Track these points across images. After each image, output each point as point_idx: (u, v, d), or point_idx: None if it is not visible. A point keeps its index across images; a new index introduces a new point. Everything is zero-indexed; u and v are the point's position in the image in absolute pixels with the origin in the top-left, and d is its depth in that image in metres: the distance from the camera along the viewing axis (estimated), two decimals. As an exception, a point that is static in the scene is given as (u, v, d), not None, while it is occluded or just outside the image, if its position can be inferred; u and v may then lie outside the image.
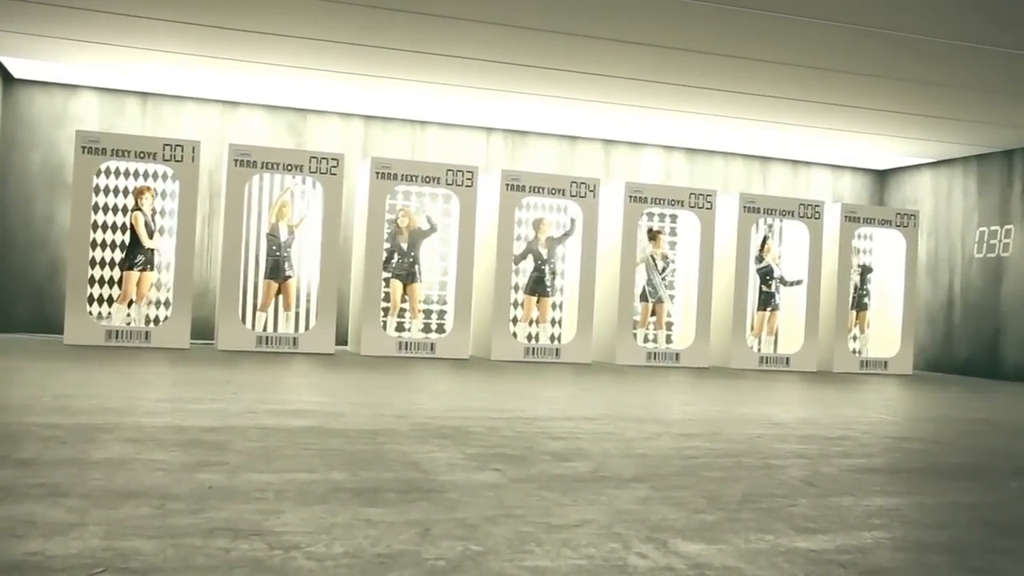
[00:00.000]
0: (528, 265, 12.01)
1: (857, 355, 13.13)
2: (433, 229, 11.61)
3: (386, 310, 11.50)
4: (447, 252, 11.88)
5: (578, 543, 2.77)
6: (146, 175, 11.17)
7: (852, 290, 13.15)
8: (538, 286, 11.98)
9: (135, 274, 10.68)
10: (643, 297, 12.50)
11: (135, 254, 10.70)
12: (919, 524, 3.37)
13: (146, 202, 10.75)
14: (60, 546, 2.46)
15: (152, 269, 10.81)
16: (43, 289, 11.69)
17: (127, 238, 10.86)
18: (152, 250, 10.78)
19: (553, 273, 12.05)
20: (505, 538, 2.79)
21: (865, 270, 13.37)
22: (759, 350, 12.71)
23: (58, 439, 4.11)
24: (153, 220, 10.84)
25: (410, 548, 2.63)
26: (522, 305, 12.15)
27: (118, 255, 10.97)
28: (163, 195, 11.17)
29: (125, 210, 10.99)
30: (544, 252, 11.95)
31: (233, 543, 2.58)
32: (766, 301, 12.81)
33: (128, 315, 10.76)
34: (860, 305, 13.32)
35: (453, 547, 2.66)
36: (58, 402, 5.45)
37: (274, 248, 11.13)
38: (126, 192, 11.10)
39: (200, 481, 3.36)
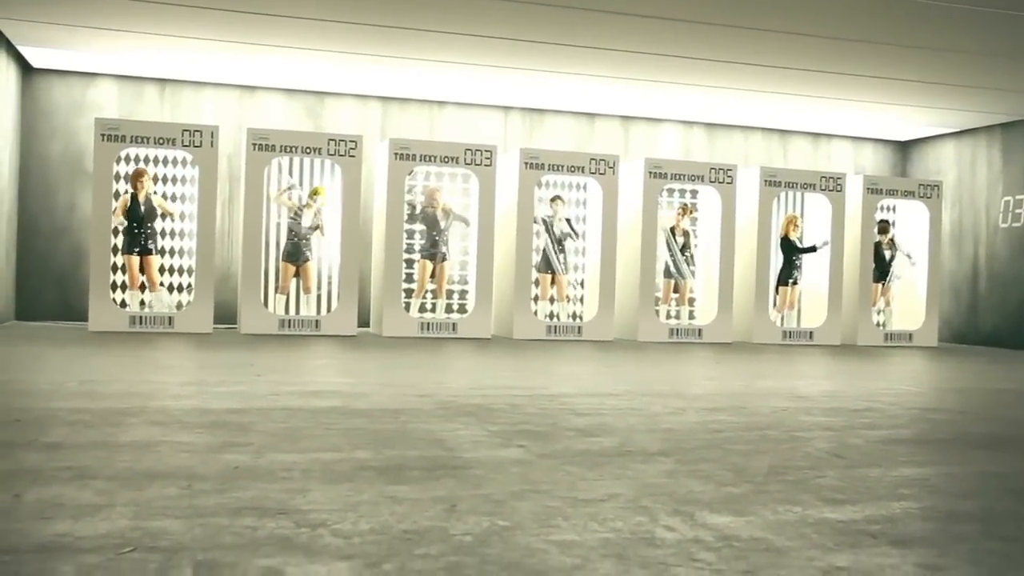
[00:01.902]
0: (542, 242, 11.96)
1: (881, 328, 13.04)
2: (466, 223, 11.63)
3: (411, 291, 11.50)
4: (467, 232, 11.86)
5: (605, 517, 2.77)
6: (152, 161, 11.10)
7: (881, 264, 13.04)
8: (551, 264, 11.96)
9: (133, 258, 10.63)
10: (666, 273, 12.46)
11: (126, 237, 10.66)
12: (948, 494, 3.34)
13: (143, 185, 10.56)
14: (89, 527, 2.48)
15: (153, 253, 10.69)
16: (67, 277, 11.77)
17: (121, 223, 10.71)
18: (143, 233, 10.58)
19: (564, 252, 11.98)
20: (532, 513, 2.78)
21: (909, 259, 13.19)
22: (782, 324, 12.64)
23: (85, 423, 4.14)
24: (149, 202, 10.62)
25: (437, 524, 2.62)
26: (537, 283, 12.13)
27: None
28: (166, 179, 11.14)
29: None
30: (558, 231, 11.90)
31: (260, 522, 2.58)
32: (787, 275, 12.70)
33: (142, 302, 10.72)
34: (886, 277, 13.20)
35: (480, 523, 2.66)
36: (84, 387, 5.49)
37: (293, 233, 11.16)
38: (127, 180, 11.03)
39: (226, 462, 3.37)
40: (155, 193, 10.86)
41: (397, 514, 2.72)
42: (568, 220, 12.00)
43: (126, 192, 10.77)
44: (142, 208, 10.59)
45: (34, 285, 11.70)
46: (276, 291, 11.30)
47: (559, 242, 11.95)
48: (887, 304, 13.25)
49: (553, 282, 12.02)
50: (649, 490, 3.14)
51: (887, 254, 13.14)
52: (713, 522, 2.75)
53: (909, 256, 13.14)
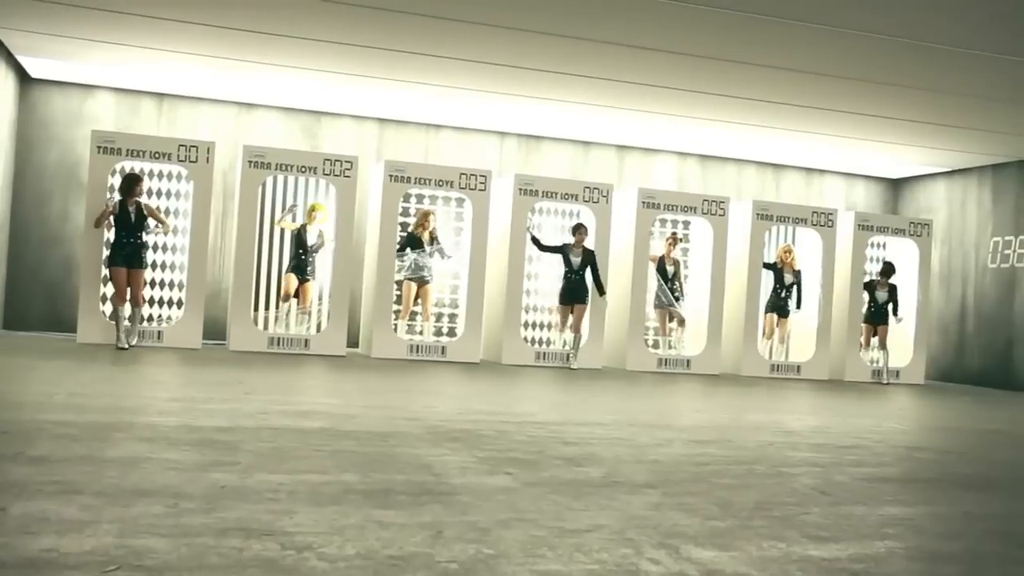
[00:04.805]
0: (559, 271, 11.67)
1: (869, 364, 13.03)
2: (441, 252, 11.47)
3: (397, 312, 11.46)
4: (459, 256, 11.85)
5: (590, 548, 2.77)
6: (148, 175, 10.89)
7: (875, 304, 12.69)
8: (571, 292, 11.48)
9: (120, 270, 9.83)
10: (657, 304, 12.38)
11: (114, 248, 9.96)
12: (932, 534, 3.35)
13: (137, 193, 9.92)
14: (74, 543, 2.47)
15: (143, 266, 10.01)
16: (57, 288, 11.73)
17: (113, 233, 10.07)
18: (133, 243, 9.85)
19: (584, 282, 11.47)
20: (517, 542, 2.79)
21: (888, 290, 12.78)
22: (770, 358, 12.62)
23: (72, 437, 4.13)
24: (139, 211, 9.92)
25: (422, 550, 2.63)
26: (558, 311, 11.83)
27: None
28: (160, 193, 11.01)
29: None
30: (576, 261, 11.47)
31: (246, 543, 2.58)
32: (781, 307, 12.55)
33: (126, 316, 10.29)
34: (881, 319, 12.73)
35: (465, 550, 2.66)
36: (72, 400, 5.47)
37: (300, 250, 11.10)
38: (112, 190, 10.45)
39: (213, 481, 3.36)
40: (147, 204, 10.29)
41: (383, 539, 2.72)
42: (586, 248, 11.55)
43: (111, 199, 10.19)
44: (132, 217, 9.92)
45: (23, 295, 11.66)
46: (281, 299, 11.27)
47: (576, 272, 11.51)
48: (881, 346, 12.76)
49: (572, 311, 11.64)
50: (635, 522, 3.14)
51: (881, 296, 12.68)
52: (698, 556, 2.76)
53: (896, 315, 12.73)
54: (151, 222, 10.21)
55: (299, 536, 2.68)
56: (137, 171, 10.47)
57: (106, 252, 10.36)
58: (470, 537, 2.80)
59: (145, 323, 10.57)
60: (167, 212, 10.96)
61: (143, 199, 10.19)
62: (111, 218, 10.00)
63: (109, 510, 2.84)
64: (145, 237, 10.14)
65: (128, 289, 9.95)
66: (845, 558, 2.85)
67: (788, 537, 3.07)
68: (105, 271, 10.26)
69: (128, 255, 9.90)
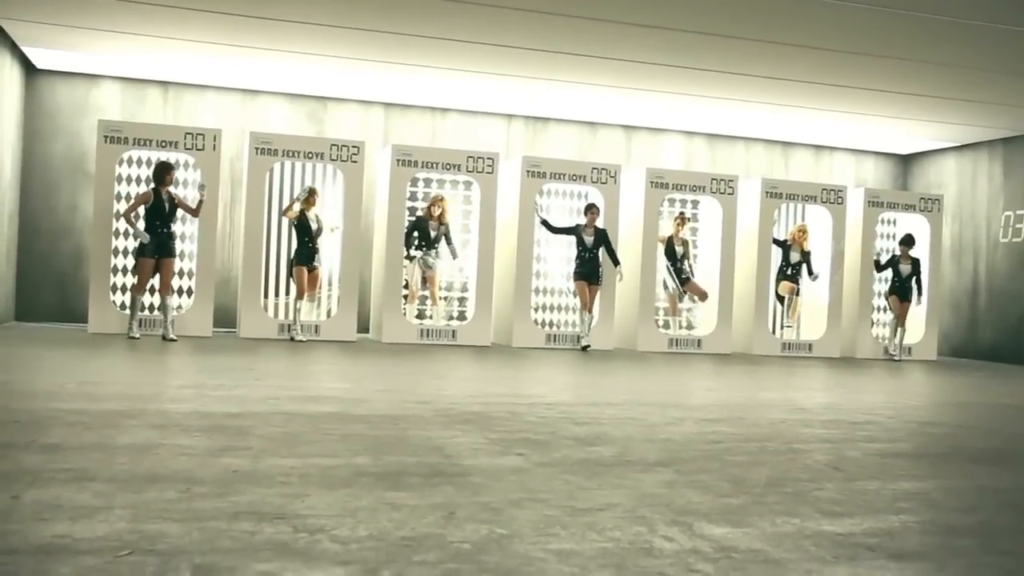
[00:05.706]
0: (571, 252, 11.62)
1: (880, 341, 12.98)
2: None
3: (406, 297, 11.43)
4: (468, 239, 11.83)
5: (603, 526, 2.77)
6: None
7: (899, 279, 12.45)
8: (586, 273, 11.40)
9: (150, 261, 9.71)
10: (666, 285, 12.34)
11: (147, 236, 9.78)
12: (946, 508, 3.34)
13: (170, 181, 9.84)
14: (87, 529, 2.48)
15: (174, 255, 9.96)
16: (67, 278, 11.76)
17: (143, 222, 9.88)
18: (165, 233, 9.77)
19: (597, 262, 11.39)
20: (530, 521, 2.78)
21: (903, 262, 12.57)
22: (782, 336, 12.59)
23: (83, 425, 4.14)
24: (172, 200, 9.86)
25: (435, 531, 2.62)
26: (575, 293, 11.64)
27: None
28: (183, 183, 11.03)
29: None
30: (590, 241, 11.36)
31: (258, 526, 2.58)
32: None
33: (151, 306, 10.41)
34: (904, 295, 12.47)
35: (478, 530, 2.66)
36: (83, 389, 5.48)
37: (306, 238, 10.75)
38: (148, 181, 10.49)
39: (224, 466, 3.37)
40: (176, 193, 10.16)
41: (395, 520, 2.72)
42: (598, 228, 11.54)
43: (149, 188, 9.95)
44: (167, 206, 9.79)
45: (34, 285, 11.69)
46: (299, 297, 10.59)
47: (589, 250, 11.39)
48: (900, 323, 12.50)
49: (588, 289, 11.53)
50: (647, 500, 3.14)
51: (905, 269, 12.43)
52: (711, 533, 2.75)
53: (920, 295, 12.50)
54: (198, 196, 10.14)
55: (311, 519, 2.69)
56: (169, 160, 10.22)
57: (123, 242, 10.53)
58: (482, 517, 2.80)
59: (175, 312, 10.29)
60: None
61: (173, 188, 10.00)
62: (142, 207, 9.78)
63: (122, 496, 2.85)
64: (175, 227, 10.07)
65: (157, 279, 9.89)
66: (859, 533, 2.85)
67: (802, 513, 3.06)
68: (124, 261, 10.39)
69: (160, 244, 9.77)
